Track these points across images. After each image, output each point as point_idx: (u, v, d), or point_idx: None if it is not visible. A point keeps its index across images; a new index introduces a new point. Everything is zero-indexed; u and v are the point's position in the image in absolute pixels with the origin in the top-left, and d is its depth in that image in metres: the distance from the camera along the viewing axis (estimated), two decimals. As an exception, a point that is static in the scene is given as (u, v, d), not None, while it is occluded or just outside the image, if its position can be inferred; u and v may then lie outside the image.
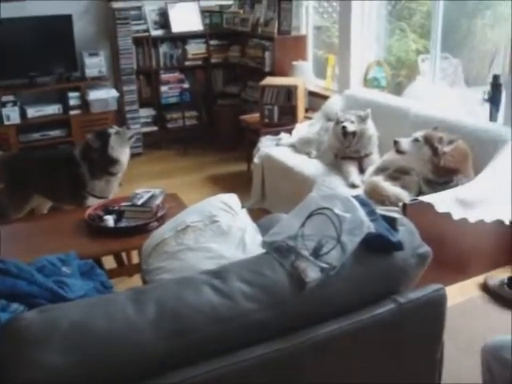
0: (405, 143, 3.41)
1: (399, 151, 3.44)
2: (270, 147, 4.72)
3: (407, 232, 1.74)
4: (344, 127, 3.96)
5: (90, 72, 5.85)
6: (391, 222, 1.69)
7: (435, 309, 1.71)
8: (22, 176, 3.83)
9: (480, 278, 3.49)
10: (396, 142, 3.43)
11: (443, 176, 3.36)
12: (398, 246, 1.64)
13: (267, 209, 4.51)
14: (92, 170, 3.76)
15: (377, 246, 1.62)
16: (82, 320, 1.36)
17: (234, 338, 1.44)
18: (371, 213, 1.66)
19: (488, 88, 3.81)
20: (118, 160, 3.76)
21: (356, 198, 1.70)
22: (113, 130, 3.80)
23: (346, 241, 1.54)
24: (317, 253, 1.53)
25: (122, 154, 3.79)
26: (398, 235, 1.68)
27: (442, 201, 3.14)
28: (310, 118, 5.18)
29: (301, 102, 5.27)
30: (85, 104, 5.78)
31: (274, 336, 1.48)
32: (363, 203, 1.68)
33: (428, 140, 3.36)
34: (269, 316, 1.47)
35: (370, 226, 1.58)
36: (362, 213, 1.59)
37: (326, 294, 1.54)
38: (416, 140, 3.39)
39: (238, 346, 1.44)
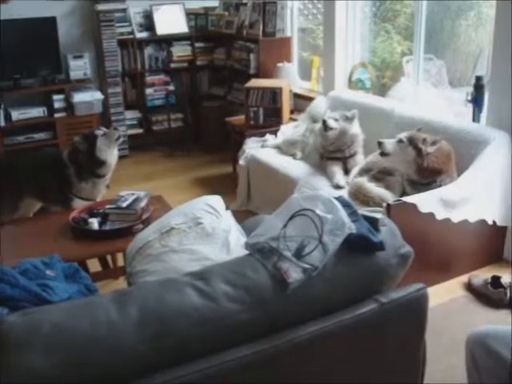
0: (389, 144, 3.43)
1: (383, 153, 3.46)
2: (256, 149, 4.73)
3: (389, 232, 1.75)
4: (324, 121, 3.99)
5: (75, 74, 5.84)
6: (373, 223, 1.71)
7: (417, 308, 1.72)
8: (12, 178, 3.82)
9: (464, 278, 3.52)
10: (380, 143, 3.45)
11: (427, 177, 3.38)
12: (380, 247, 1.65)
13: (253, 210, 4.52)
14: (79, 172, 3.75)
15: (358, 246, 1.63)
16: (64, 322, 1.35)
17: (217, 340, 1.45)
18: (353, 213, 1.67)
19: (471, 89, 3.85)
20: (105, 162, 3.75)
21: (338, 199, 1.71)
22: (100, 131, 3.79)
23: (327, 241, 1.55)
24: (299, 254, 1.54)
25: (110, 155, 3.78)
26: (380, 235, 1.69)
27: (425, 201, 3.17)
28: (295, 120, 5.20)
29: (286, 104, 5.29)
30: (69, 106, 5.77)
31: (257, 337, 1.48)
32: (345, 204, 1.69)
33: (412, 141, 3.38)
34: (252, 317, 1.48)
35: (351, 227, 1.59)
36: (343, 213, 1.60)
37: (308, 295, 1.55)
38: (400, 141, 3.41)
39: (221, 348, 1.44)
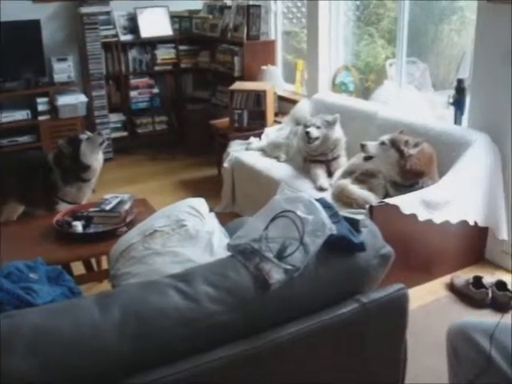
0: (372, 146, 3.46)
1: (367, 156, 3.49)
2: (240, 151, 4.74)
3: (370, 233, 1.77)
4: (308, 132, 4.01)
5: (59, 77, 5.81)
6: (354, 224, 1.73)
7: (398, 308, 1.74)
8: None
9: (446, 278, 3.55)
10: (363, 146, 3.47)
11: (409, 179, 3.41)
12: (361, 247, 1.67)
13: (238, 212, 4.53)
14: (64, 175, 3.75)
15: (339, 247, 1.65)
16: (46, 325, 1.36)
17: (199, 340, 1.45)
18: (334, 215, 1.69)
19: (453, 92, 3.89)
20: (89, 166, 3.75)
21: (319, 200, 1.73)
22: (84, 135, 3.78)
23: (308, 242, 1.57)
24: (281, 255, 1.56)
25: (94, 160, 3.78)
26: (361, 236, 1.71)
27: (407, 203, 3.20)
28: (279, 123, 5.22)
29: (270, 107, 5.31)
30: (53, 109, 5.74)
31: (238, 337, 1.50)
32: (326, 205, 1.71)
33: (394, 143, 3.41)
34: (234, 318, 1.49)
35: (332, 228, 1.61)
36: (324, 215, 1.62)
37: (289, 295, 1.57)
38: (382, 143, 3.43)
39: (203, 348, 1.45)
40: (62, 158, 3.74)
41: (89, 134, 3.83)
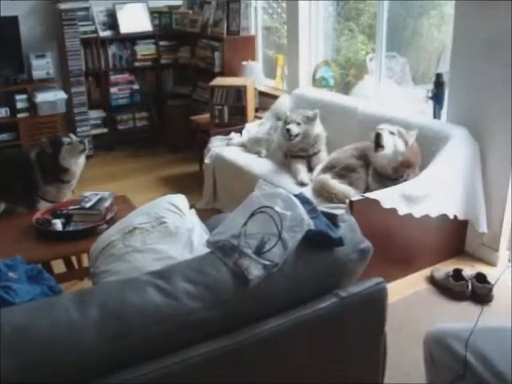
0: (386, 137, 3.42)
1: (379, 145, 3.42)
2: (221, 147, 4.74)
3: (348, 228, 1.78)
4: (288, 130, 4.02)
5: (38, 74, 5.76)
6: (332, 219, 1.74)
7: (376, 301, 1.76)
8: None
9: (427, 271, 3.58)
10: (379, 135, 3.40)
11: (401, 171, 3.43)
12: (339, 242, 1.68)
13: (219, 208, 4.53)
14: (44, 174, 3.75)
15: (318, 242, 1.65)
16: (24, 323, 1.35)
17: (178, 337, 1.46)
18: (312, 210, 1.70)
19: (432, 86, 3.91)
20: (67, 169, 3.75)
21: (297, 196, 1.73)
22: (67, 139, 3.76)
23: (287, 238, 1.57)
24: (259, 250, 1.56)
25: (73, 164, 3.78)
26: (339, 231, 1.72)
27: (387, 197, 3.22)
28: (260, 118, 5.22)
29: (250, 102, 5.31)
30: (33, 107, 5.69)
31: (218, 333, 1.50)
32: (304, 201, 1.71)
33: (401, 133, 3.44)
34: (213, 314, 1.49)
35: (310, 223, 1.61)
36: (302, 210, 1.63)
37: (269, 291, 1.57)
38: (392, 133, 3.43)
39: (182, 345, 1.45)
40: (44, 157, 3.72)
41: (72, 138, 3.79)
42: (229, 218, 1.73)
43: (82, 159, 3.84)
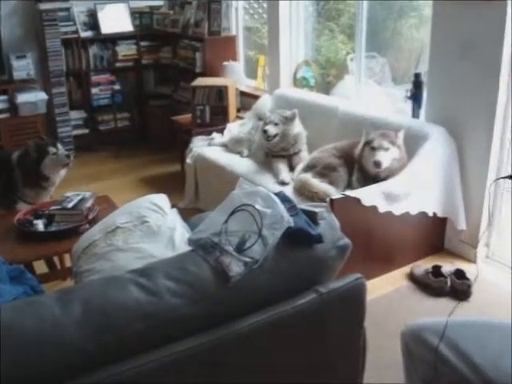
0: (385, 159, 3.44)
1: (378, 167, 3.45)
2: (203, 147, 4.75)
3: (328, 225, 1.81)
4: (265, 131, 4.05)
5: (18, 75, 5.74)
6: (312, 216, 1.76)
7: (355, 297, 1.79)
8: None
9: (407, 268, 3.63)
10: (378, 163, 3.42)
11: (392, 173, 3.50)
12: (318, 239, 1.70)
13: (201, 208, 4.54)
14: (25, 177, 3.73)
15: (297, 239, 1.68)
16: (7, 322, 1.36)
17: (160, 334, 1.47)
18: (292, 208, 1.73)
19: (411, 86, 3.96)
20: (48, 177, 3.75)
21: (278, 194, 1.76)
22: (53, 149, 3.75)
23: (267, 235, 1.60)
24: (240, 248, 1.59)
25: (54, 173, 3.79)
26: (319, 229, 1.75)
27: (368, 195, 3.26)
28: (241, 118, 5.25)
29: (232, 102, 5.33)
30: (13, 107, 5.65)
31: (199, 330, 1.52)
32: (284, 199, 1.74)
33: (393, 142, 3.47)
34: (194, 310, 1.51)
35: (289, 221, 1.64)
36: (282, 208, 1.66)
37: (249, 288, 1.59)
38: (387, 148, 3.45)
39: (164, 342, 1.47)
40: (26, 160, 3.72)
41: (58, 148, 3.78)
42: (210, 217, 1.76)
43: (63, 171, 3.84)
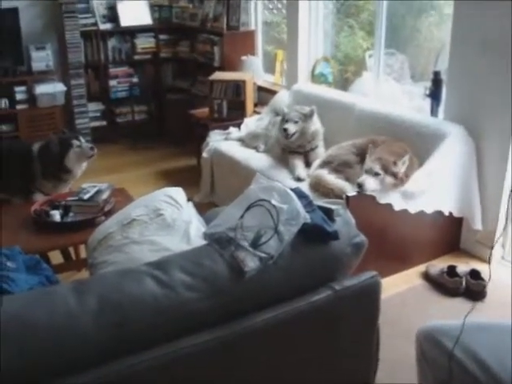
0: (370, 184, 3.30)
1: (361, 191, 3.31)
2: (219, 142, 4.75)
3: (344, 222, 1.80)
4: (285, 129, 4.03)
5: (37, 66, 5.76)
6: (328, 213, 1.76)
7: (370, 295, 1.78)
8: None
9: (422, 267, 3.60)
10: (361, 185, 3.29)
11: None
12: (334, 236, 1.70)
13: (216, 203, 4.55)
14: (45, 169, 3.76)
15: (313, 235, 1.68)
16: (22, 312, 1.37)
17: (175, 327, 1.48)
18: (308, 204, 1.72)
19: (430, 83, 3.93)
20: (71, 171, 3.77)
21: (294, 190, 1.76)
22: (77, 142, 3.79)
23: (283, 231, 1.60)
24: (255, 243, 1.59)
25: (77, 167, 3.84)
26: (335, 225, 1.74)
27: (383, 192, 3.24)
28: (258, 113, 5.23)
29: (249, 97, 5.32)
30: (32, 98, 5.69)
31: (214, 324, 1.52)
32: (301, 195, 1.74)
33: (387, 169, 3.32)
34: (209, 305, 1.52)
35: (306, 217, 1.64)
36: (298, 204, 1.65)
37: (264, 283, 1.60)
38: (376, 174, 3.32)
39: (178, 335, 1.47)
40: (48, 153, 3.74)
41: (82, 141, 3.81)
42: (226, 211, 1.76)
43: (85, 164, 3.87)
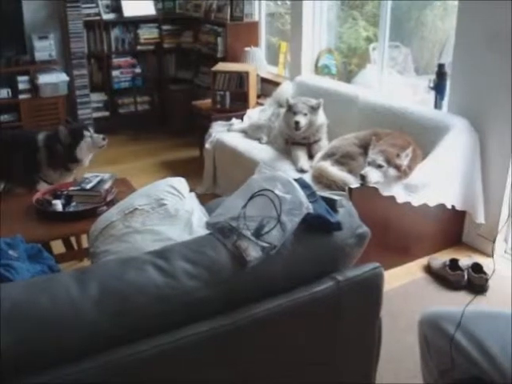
0: (373, 176, 3.29)
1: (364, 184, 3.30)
2: (222, 133, 4.74)
3: (347, 213, 1.80)
4: (297, 122, 4.00)
5: (40, 55, 5.75)
6: (331, 204, 1.75)
7: (372, 286, 1.77)
8: None
9: (424, 260, 3.61)
10: (364, 177, 3.27)
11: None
12: (337, 227, 1.69)
13: (219, 194, 4.54)
14: (51, 159, 3.76)
15: (316, 226, 1.67)
16: (24, 300, 1.36)
17: (176, 316, 1.47)
18: (311, 194, 1.71)
19: (434, 76, 3.92)
20: (80, 161, 3.78)
21: (297, 180, 1.75)
22: (88, 133, 3.79)
23: (285, 221, 1.59)
24: (258, 233, 1.58)
25: (86, 157, 3.84)
26: (338, 216, 1.73)
27: (386, 185, 3.23)
28: (261, 104, 5.23)
29: (252, 88, 5.31)
30: (34, 88, 5.67)
31: (216, 313, 1.52)
32: (304, 185, 1.73)
33: (389, 161, 3.32)
34: (211, 294, 1.51)
35: (309, 207, 1.63)
36: (301, 194, 1.64)
37: (266, 273, 1.59)
38: (379, 166, 3.31)
39: (180, 324, 1.47)
40: (56, 143, 3.74)
41: (91, 132, 3.82)
42: (228, 201, 1.75)
43: (92, 155, 3.89)
